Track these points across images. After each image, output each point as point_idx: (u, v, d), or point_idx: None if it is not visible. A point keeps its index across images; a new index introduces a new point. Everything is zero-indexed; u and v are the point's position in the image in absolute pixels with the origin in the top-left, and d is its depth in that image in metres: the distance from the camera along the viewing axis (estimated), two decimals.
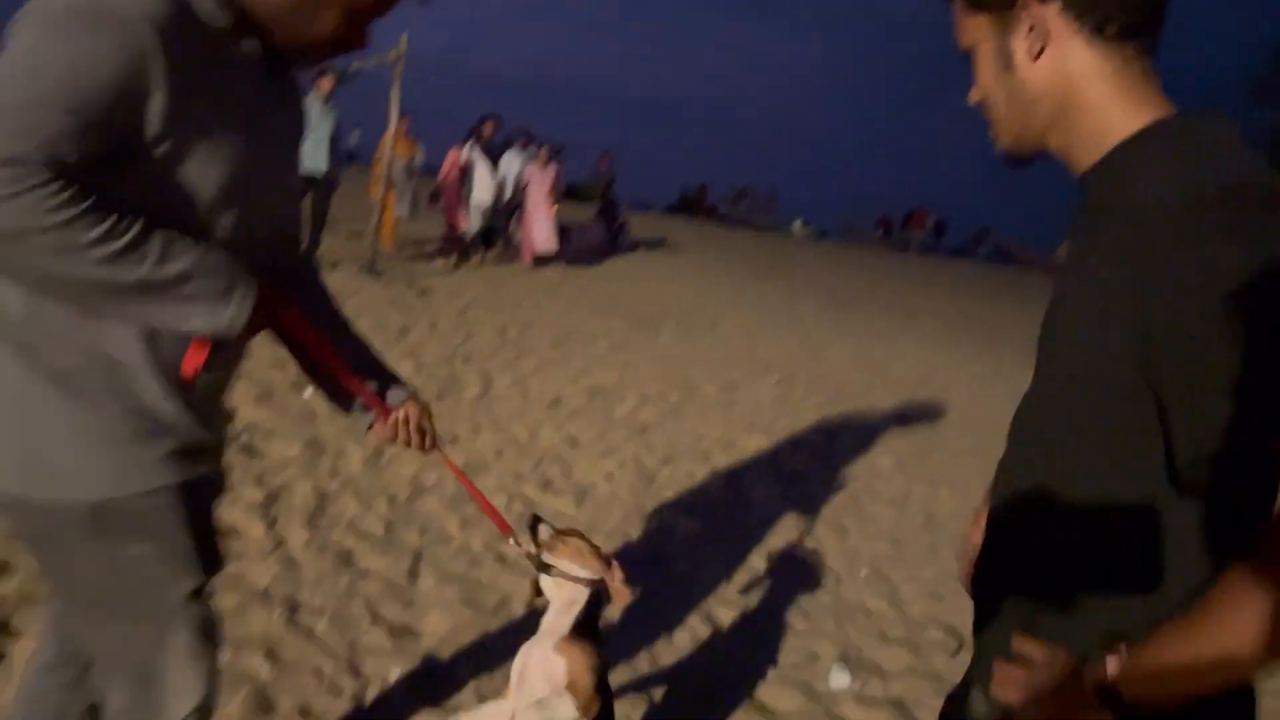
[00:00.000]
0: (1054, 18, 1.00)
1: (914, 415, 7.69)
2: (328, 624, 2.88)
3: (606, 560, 2.05)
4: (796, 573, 3.97)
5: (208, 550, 1.44)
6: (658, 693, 2.88)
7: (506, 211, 11.77)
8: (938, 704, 1.44)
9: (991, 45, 1.06)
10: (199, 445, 1.40)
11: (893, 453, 6.33)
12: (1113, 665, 0.91)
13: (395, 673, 2.70)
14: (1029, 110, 1.06)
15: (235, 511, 3.46)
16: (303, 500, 3.72)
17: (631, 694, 2.84)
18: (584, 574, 2.01)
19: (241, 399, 4.64)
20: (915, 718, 3.01)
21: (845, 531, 4.59)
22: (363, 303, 7.68)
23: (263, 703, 2.47)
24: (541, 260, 12.07)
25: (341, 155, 9.52)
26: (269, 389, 4.90)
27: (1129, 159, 0.98)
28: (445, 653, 2.85)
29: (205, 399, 1.43)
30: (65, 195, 1.08)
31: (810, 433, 6.43)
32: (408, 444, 1.68)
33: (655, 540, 4.07)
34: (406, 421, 1.67)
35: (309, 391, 5.04)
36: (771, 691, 3.01)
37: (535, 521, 2.07)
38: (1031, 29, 1.01)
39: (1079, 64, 1.00)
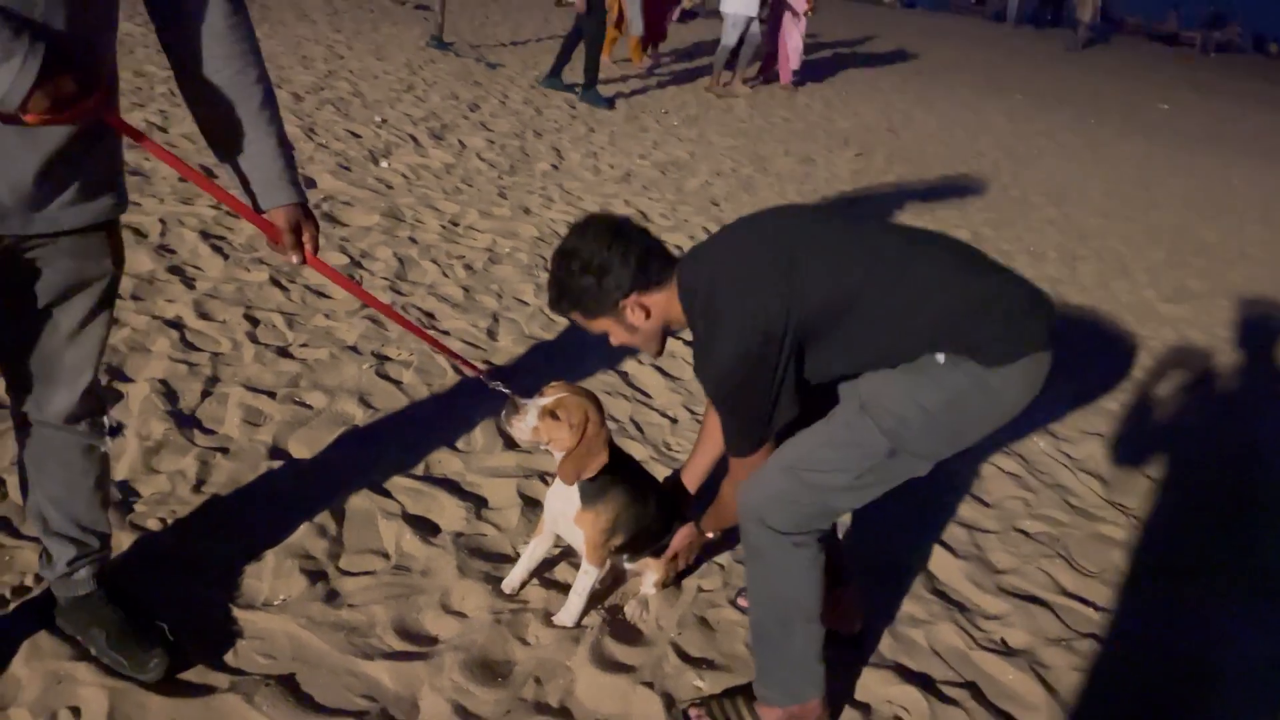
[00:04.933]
0: (640, 298, 1.83)
1: (997, 187, 7.45)
2: (413, 375, 3.07)
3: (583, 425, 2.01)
4: None
5: None
6: None
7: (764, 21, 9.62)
8: None
9: (618, 326, 1.88)
10: None
11: (972, 224, 6.20)
12: (704, 523, 2.19)
13: (479, 421, 2.88)
14: (657, 336, 1.92)
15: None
16: (384, 266, 3.86)
17: None
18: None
19: (319, 170, 4.73)
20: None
21: None
22: (433, 76, 7.57)
23: (360, 438, 2.68)
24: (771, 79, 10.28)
25: None
26: (346, 160, 4.96)
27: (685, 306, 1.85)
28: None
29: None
30: None
31: (890, 205, 6.31)
32: (291, 254, 1.67)
33: None
34: (294, 230, 1.65)
35: (385, 163, 5.10)
36: None
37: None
38: (636, 310, 1.84)
39: (659, 301, 1.85)
